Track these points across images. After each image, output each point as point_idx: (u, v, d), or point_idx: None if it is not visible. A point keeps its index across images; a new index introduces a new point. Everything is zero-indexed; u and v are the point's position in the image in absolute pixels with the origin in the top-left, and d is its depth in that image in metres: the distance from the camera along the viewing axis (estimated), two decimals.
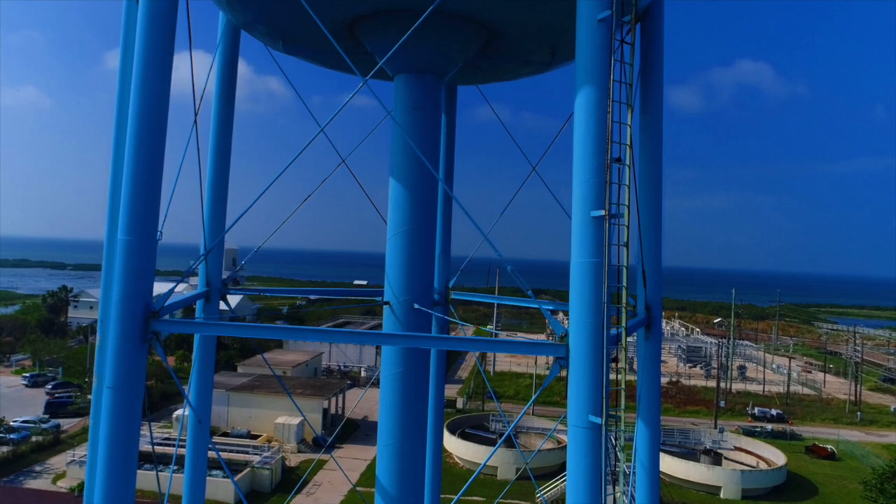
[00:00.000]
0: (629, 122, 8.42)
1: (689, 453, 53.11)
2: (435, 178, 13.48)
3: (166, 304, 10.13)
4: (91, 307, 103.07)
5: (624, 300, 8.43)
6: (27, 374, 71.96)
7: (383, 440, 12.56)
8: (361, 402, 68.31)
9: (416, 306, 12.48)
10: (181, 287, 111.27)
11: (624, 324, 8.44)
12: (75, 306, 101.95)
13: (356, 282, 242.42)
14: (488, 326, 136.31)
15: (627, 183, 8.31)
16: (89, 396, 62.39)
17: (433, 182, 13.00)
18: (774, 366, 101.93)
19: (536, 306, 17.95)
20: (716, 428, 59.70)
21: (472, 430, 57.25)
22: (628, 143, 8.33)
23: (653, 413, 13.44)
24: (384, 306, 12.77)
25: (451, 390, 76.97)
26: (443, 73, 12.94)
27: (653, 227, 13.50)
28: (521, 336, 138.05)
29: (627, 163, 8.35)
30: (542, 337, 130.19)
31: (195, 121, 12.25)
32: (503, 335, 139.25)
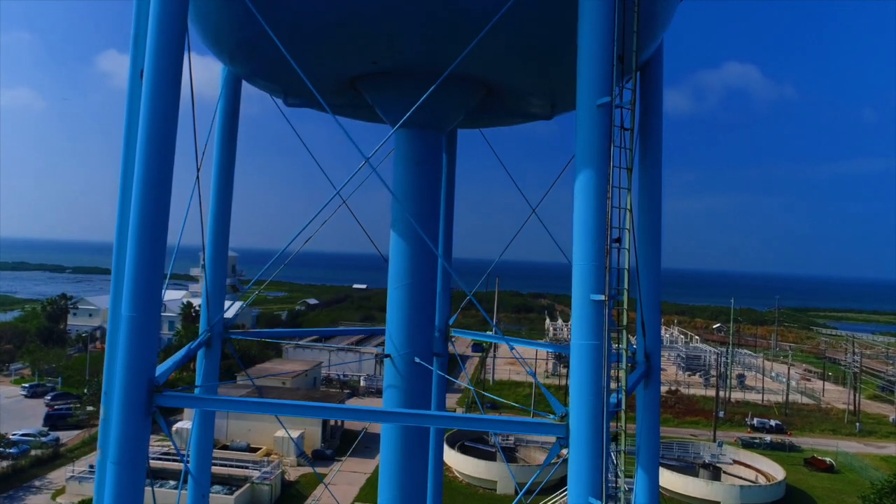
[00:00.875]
0: (629, 206, 8.50)
1: (688, 467, 53.18)
2: (435, 230, 13.57)
3: (168, 364, 10.24)
4: (90, 314, 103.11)
5: (624, 381, 8.51)
6: (26, 385, 71.96)
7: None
8: None
9: (417, 360, 12.58)
10: (187, 290, 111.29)
11: (624, 404, 8.51)
12: (74, 314, 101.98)
13: (355, 285, 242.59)
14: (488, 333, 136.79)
15: (627, 266, 8.38)
16: (89, 408, 62.41)
17: (433, 236, 13.09)
18: (773, 374, 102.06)
19: (536, 348, 17.89)
20: (714, 440, 59.80)
21: (471, 443, 57.27)
22: (628, 227, 8.41)
23: (652, 463, 13.53)
24: (385, 359, 12.87)
25: (450, 400, 77.05)
26: (443, 128, 13.05)
27: (652, 277, 13.61)
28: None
29: (626, 246, 8.43)
30: (541, 340, 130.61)
31: (197, 176, 12.35)
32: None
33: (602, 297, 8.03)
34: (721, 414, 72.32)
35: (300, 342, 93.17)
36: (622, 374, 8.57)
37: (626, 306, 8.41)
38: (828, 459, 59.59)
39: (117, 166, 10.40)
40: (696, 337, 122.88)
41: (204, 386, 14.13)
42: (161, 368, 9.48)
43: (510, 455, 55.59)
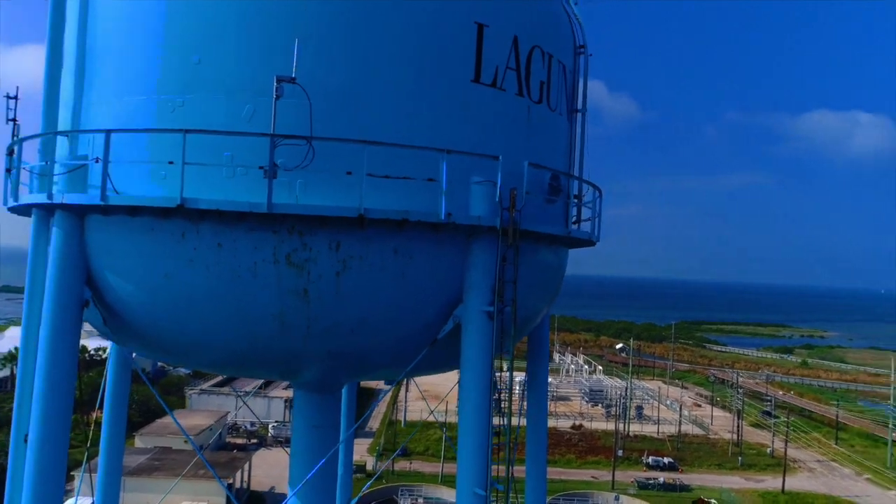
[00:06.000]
0: None
1: None
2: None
3: None
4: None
5: None
6: None
7: None
8: (269, 470, 67.11)
9: None
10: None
11: None
12: None
13: None
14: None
15: None
16: None
17: (332, 488, 13.60)
18: (668, 401, 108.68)
19: None
20: (613, 487, 63.21)
21: None
22: None
23: None
24: None
25: (360, 446, 76.70)
26: (338, 388, 13.60)
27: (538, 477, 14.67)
28: None
29: None
30: None
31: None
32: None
33: None
34: (620, 453, 76.36)
35: (204, 387, 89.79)
36: None
37: None
38: (712, 501, 64.28)
39: None
40: (600, 367, 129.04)
41: None
42: None
43: None
